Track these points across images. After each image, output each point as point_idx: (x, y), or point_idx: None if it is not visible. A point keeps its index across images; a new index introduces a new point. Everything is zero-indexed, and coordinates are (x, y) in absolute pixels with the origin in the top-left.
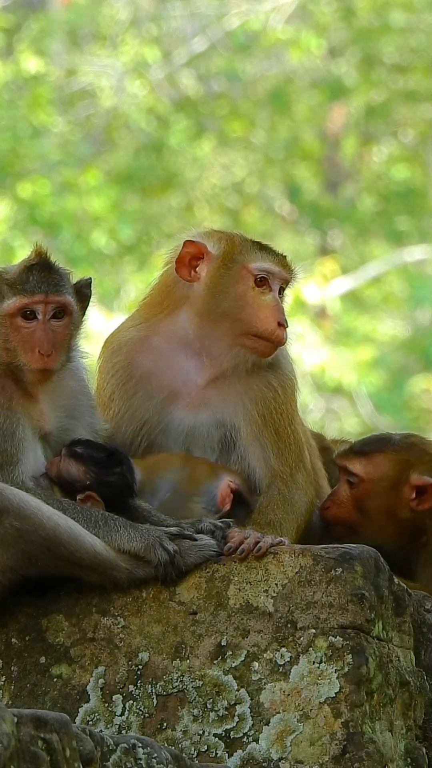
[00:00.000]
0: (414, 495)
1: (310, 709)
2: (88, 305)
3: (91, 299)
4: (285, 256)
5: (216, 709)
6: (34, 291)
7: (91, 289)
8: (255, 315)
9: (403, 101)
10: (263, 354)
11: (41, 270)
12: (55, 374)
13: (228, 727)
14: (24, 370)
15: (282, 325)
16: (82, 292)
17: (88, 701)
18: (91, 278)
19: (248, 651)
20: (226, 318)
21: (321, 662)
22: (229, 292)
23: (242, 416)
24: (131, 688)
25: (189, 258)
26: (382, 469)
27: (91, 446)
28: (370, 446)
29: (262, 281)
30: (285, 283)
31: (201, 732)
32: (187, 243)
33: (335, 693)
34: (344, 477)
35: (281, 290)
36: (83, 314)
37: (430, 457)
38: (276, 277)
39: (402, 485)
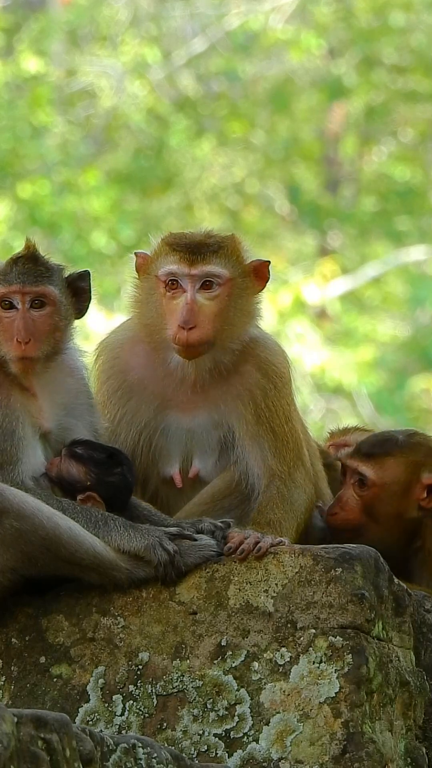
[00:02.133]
0: (426, 494)
1: (310, 709)
2: (88, 298)
3: (92, 295)
4: (192, 250)
5: (216, 709)
6: (11, 281)
7: (89, 282)
8: (165, 322)
9: (403, 101)
10: (184, 357)
11: (25, 262)
12: (39, 364)
13: (228, 727)
14: (8, 362)
15: (183, 326)
16: (76, 285)
17: (88, 701)
18: (87, 271)
19: (248, 651)
20: (151, 329)
21: (321, 662)
22: (148, 303)
23: (236, 417)
24: (131, 688)
25: (142, 269)
26: (393, 473)
27: (92, 447)
28: (378, 449)
29: (171, 285)
30: (200, 279)
31: (201, 732)
32: (136, 254)
33: (335, 693)
34: (353, 478)
35: (207, 286)
36: (83, 308)
37: None
38: (183, 276)
39: (414, 486)
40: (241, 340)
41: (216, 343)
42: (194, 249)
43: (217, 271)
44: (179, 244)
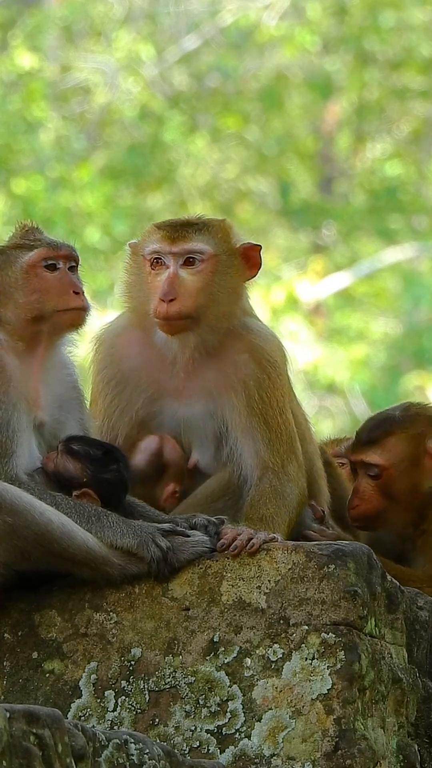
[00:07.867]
0: None
1: (303, 706)
2: None
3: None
4: (175, 228)
5: (208, 705)
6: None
7: None
8: (148, 299)
9: (396, 98)
10: (166, 332)
11: None
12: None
13: (220, 723)
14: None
15: (163, 299)
16: None
17: (80, 697)
18: None
19: (241, 647)
20: (138, 309)
21: (313, 659)
22: (136, 284)
23: (229, 408)
24: (123, 683)
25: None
26: (399, 451)
27: (88, 443)
28: (377, 432)
29: (155, 263)
30: (182, 256)
31: (193, 728)
32: (130, 245)
33: (327, 689)
34: (363, 471)
35: (190, 262)
36: None
37: None
38: (165, 254)
39: (422, 457)
40: (229, 320)
41: (201, 320)
42: (177, 227)
43: (198, 247)
44: (164, 224)
